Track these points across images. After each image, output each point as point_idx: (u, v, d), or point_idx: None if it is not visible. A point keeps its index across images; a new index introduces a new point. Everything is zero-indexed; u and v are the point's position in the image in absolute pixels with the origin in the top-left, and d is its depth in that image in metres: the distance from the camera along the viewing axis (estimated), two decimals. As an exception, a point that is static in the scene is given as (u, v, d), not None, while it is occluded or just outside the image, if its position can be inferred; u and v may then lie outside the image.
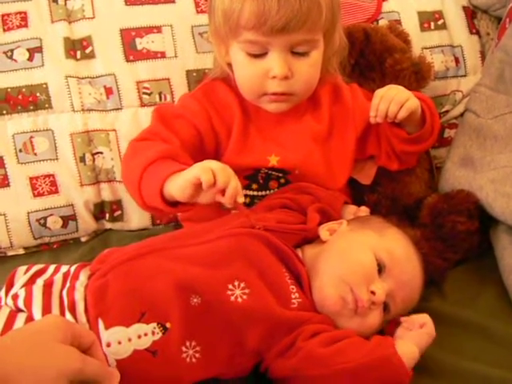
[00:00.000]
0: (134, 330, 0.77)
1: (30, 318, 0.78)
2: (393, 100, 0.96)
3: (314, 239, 0.92)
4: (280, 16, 0.88)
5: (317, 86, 1.00)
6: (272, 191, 1.02)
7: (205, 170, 0.78)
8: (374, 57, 1.11)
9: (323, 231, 0.92)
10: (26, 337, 0.63)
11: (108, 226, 1.19)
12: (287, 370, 0.79)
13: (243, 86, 0.98)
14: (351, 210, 1.03)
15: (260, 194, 1.01)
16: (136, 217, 1.17)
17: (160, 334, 0.77)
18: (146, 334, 0.76)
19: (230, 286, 0.80)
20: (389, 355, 0.78)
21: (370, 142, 1.06)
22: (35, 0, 1.16)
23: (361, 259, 0.85)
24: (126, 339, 0.76)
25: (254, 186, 1.01)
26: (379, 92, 0.99)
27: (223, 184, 0.78)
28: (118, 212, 1.18)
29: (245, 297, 0.80)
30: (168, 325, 0.77)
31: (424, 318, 0.85)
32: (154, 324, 0.77)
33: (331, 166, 1.03)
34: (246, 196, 1.00)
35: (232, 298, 0.79)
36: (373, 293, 0.82)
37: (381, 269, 0.85)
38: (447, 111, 1.26)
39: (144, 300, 0.78)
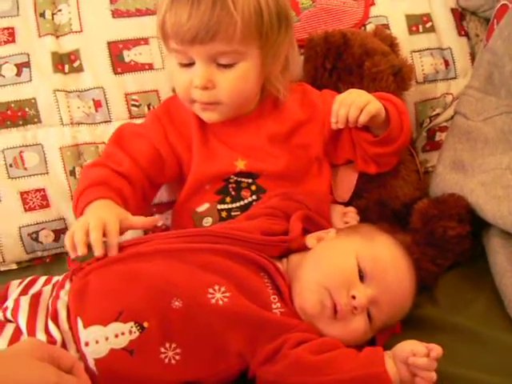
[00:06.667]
0: (112, 328, 0.77)
1: (17, 329, 0.80)
2: (352, 104, 0.96)
3: (300, 248, 0.92)
4: (189, 27, 0.90)
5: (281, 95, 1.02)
6: (246, 201, 1.02)
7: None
8: (352, 60, 1.10)
9: (311, 239, 0.92)
10: (4, 356, 0.64)
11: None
12: (273, 375, 0.78)
13: (177, 93, 1.01)
14: (339, 209, 1.03)
15: (235, 205, 1.02)
16: (128, 229, 1.17)
17: (137, 334, 0.77)
18: (123, 333, 0.77)
19: (211, 290, 0.80)
20: (380, 374, 0.76)
21: (343, 146, 1.06)
22: (22, 15, 1.17)
23: (340, 264, 0.85)
24: (104, 338, 0.77)
25: (228, 199, 1.02)
26: (339, 97, 0.99)
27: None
28: (110, 225, 1.17)
29: (226, 299, 0.80)
30: (146, 324, 0.78)
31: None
32: (132, 323, 0.77)
33: (297, 167, 1.03)
34: (222, 210, 1.02)
35: (213, 301, 0.79)
36: (353, 297, 0.81)
37: (362, 274, 0.84)
38: (438, 114, 1.26)
39: (122, 300, 0.79)
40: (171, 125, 1.04)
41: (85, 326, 0.78)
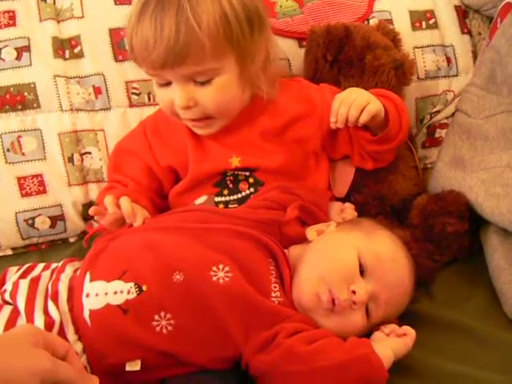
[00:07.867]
0: (113, 285, 0.80)
1: (15, 310, 0.81)
2: (353, 104, 0.95)
3: (298, 239, 0.92)
4: (156, 53, 0.88)
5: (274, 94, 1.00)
6: (244, 193, 1.01)
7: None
8: (354, 53, 1.09)
9: (311, 232, 0.92)
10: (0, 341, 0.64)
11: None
12: (267, 364, 0.78)
13: (163, 110, 1.01)
14: (337, 206, 1.02)
15: (233, 198, 1.01)
16: (125, 217, 1.17)
17: (134, 295, 0.80)
18: (121, 292, 0.80)
19: (214, 268, 0.82)
20: (367, 354, 0.78)
21: (341, 141, 1.04)
22: (24, -1, 1.16)
23: (342, 258, 0.85)
24: (104, 293, 0.80)
25: (225, 192, 1.01)
26: (339, 96, 0.97)
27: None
28: (107, 212, 1.17)
29: (227, 279, 0.81)
30: (144, 287, 0.80)
31: (407, 329, 0.84)
32: (132, 284, 0.80)
33: (294, 161, 1.02)
34: (219, 202, 1.01)
35: (214, 279, 0.81)
36: (354, 292, 0.81)
37: (363, 269, 0.84)
38: (438, 111, 1.26)
39: (130, 262, 0.83)
40: (157, 139, 1.04)
41: (91, 280, 0.81)
